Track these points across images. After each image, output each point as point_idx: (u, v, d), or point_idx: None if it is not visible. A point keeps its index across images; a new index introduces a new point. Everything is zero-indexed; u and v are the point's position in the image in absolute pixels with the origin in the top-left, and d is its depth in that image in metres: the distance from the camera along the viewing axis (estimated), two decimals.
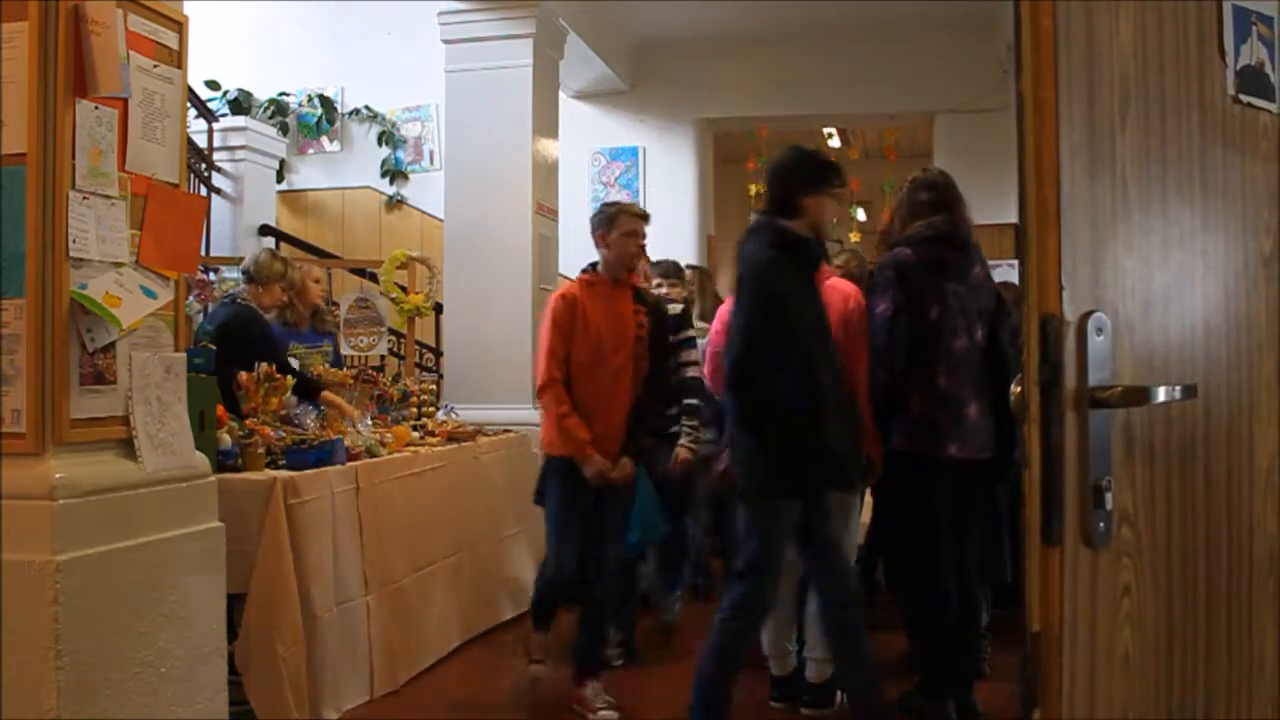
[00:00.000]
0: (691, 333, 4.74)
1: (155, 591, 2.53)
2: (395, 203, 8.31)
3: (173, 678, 2.57)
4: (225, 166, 7.53)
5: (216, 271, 5.71)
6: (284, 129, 8.21)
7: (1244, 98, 1.60)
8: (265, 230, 7.72)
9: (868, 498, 4.04)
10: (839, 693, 3.75)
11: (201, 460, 2.77)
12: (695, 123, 8.27)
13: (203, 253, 5.72)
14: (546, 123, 6.24)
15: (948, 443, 3.35)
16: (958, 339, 3.38)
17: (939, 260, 3.41)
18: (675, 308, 4.59)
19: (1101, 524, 1.34)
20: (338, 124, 8.36)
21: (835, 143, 10.02)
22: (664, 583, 4.84)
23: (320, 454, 3.79)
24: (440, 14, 6.07)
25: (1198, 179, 1.53)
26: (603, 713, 3.70)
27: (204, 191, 7.16)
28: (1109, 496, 1.34)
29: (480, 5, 5.99)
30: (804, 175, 3.28)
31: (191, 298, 4.83)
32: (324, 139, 8.39)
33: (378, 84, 8.22)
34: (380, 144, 8.26)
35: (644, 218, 3.89)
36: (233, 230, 7.46)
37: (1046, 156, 1.34)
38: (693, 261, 6.70)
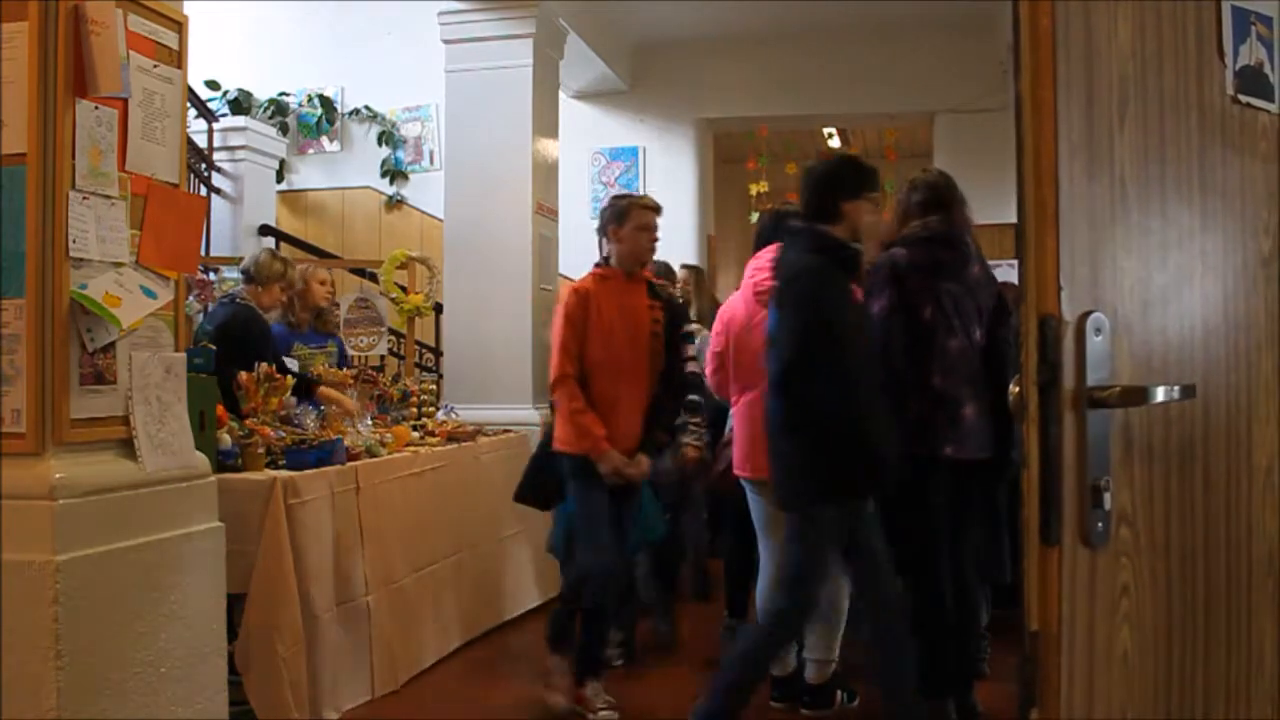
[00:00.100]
0: (692, 327, 4.74)
1: (155, 591, 2.53)
2: (395, 203, 8.31)
3: (173, 678, 2.57)
4: (225, 166, 7.53)
5: (216, 271, 5.71)
6: (284, 129, 8.21)
7: (1243, 98, 1.60)
8: (265, 230, 7.72)
9: None
10: (839, 693, 3.76)
11: (201, 460, 2.77)
12: (695, 123, 8.27)
13: (203, 253, 5.72)
14: (546, 123, 6.24)
15: (944, 443, 3.35)
16: (953, 339, 3.38)
17: (934, 260, 3.41)
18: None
19: (1100, 524, 1.34)
20: (338, 124, 8.36)
21: (835, 143, 10.02)
22: (658, 589, 4.74)
23: (320, 454, 3.79)
24: (440, 14, 6.07)
25: (1196, 179, 1.53)
26: (603, 713, 3.70)
27: (204, 191, 7.16)
28: (1107, 496, 1.34)
29: (480, 5, 5.99)
30: (843, 181, 3.29)
31: (191, 298, 4.83)
32: (324, 139, 8.39)
33: (378, 84, 8.22)
34: (380, 144, 8.26)
35: (657, 210, 3.82)
36: (233, 230, 7.46)
37: (1045, 156, 1.34)
38: (692, 261, 6.70)
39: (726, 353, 3.80)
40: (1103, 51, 1.40)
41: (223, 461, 3.44)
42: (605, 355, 3.67)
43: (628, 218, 3.75)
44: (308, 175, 8.48)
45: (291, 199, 8.44)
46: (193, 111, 6.98)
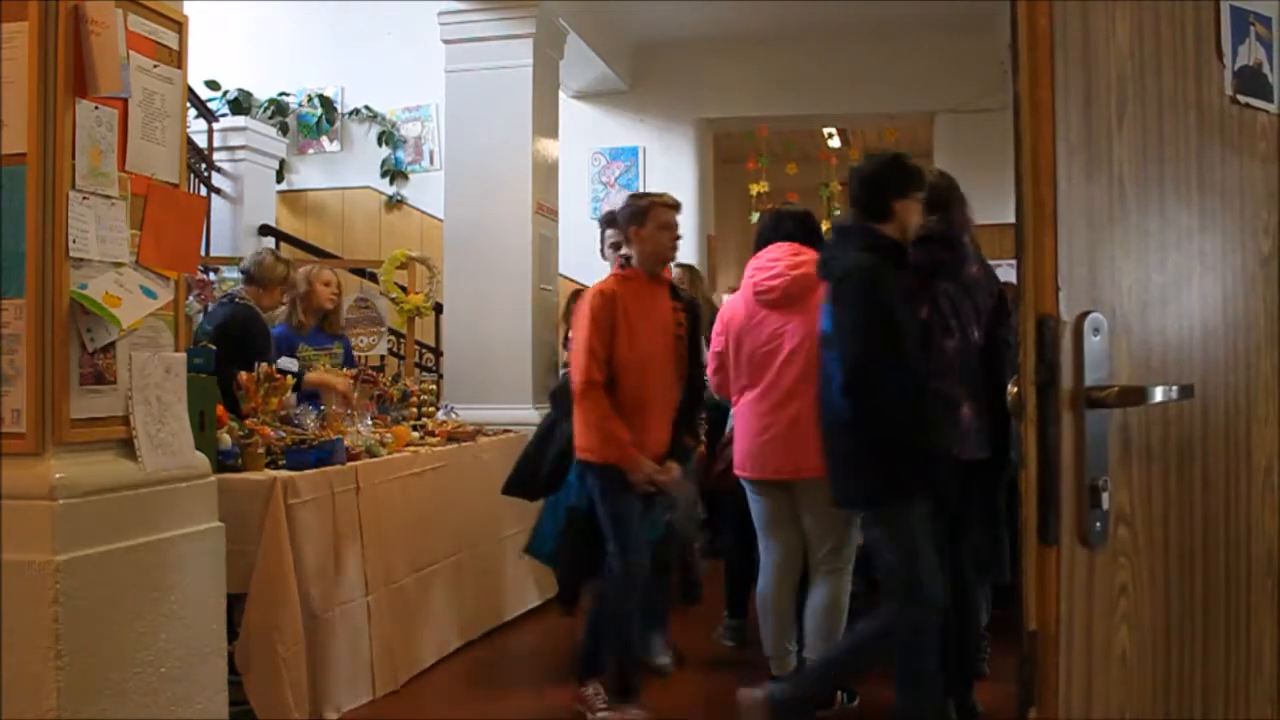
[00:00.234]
0: None
1: (155, 591, 2.53)
2: (395, 203, 8.31)
3: (173, 678, 2.57)
4: (225, 166, 7.53)
5: (216, 271, 5.71)
6: (284, 129, 8.21)
7: (1242, 98, 1.60)
8: (265, 230, 7.72)
9: None
10: (839, 693, 3.75)
11: (201, 460, 2.77)
12: (695, 123, 8.27)
13: (203, 253, 5.72)
14: (546, 123, 6.24)
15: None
16: (950, 339, 3.38)
17: (932, 260, 3.41)
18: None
19: (1098, 524, 1.34)
20: (338, 124, 8.36)
21: (835, 143, 10.01)
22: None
23: (320, 454, 3.79)
24: (440, 14, 6.07)
25: (1195, 179, 1.53)
26: (602, 713, 3.70)
27: (204, 191, 7.16)
28: (1106, 496, 1.34)
29: (480, 5, 5.99)
30: (894, 180, 3.29)
31: (191, 298, 4.83)
32: (324, 139, 8.39)
33: (378, 84, 8.22)
34: (380, 144, 8.26)
35: (677, 207, 3.73)
36: (233, 230, 7.46)
37: (1043, 157, 1.34)
38: (692, 261, 6.69)
39: (726, 352, 3.80)
40: (1101, 51, 1.40)
41: (223, 461, 3.44)
42: (632, 360, 3.56)
43: (648, 217, 3.64)
44: (308, 175, 8.48)
45: (291, 199, 8.45)
46: (193, 111, 6.98)
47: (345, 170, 8.39)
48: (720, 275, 9.31)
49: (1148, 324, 1.45)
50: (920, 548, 3.16)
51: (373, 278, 6.81)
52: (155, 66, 2.62)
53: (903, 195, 3.26)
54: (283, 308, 5.07)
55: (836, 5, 7.07)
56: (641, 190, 7.94)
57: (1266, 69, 1.65)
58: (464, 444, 4.85)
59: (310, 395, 4.52)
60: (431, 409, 5.19)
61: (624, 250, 3.92)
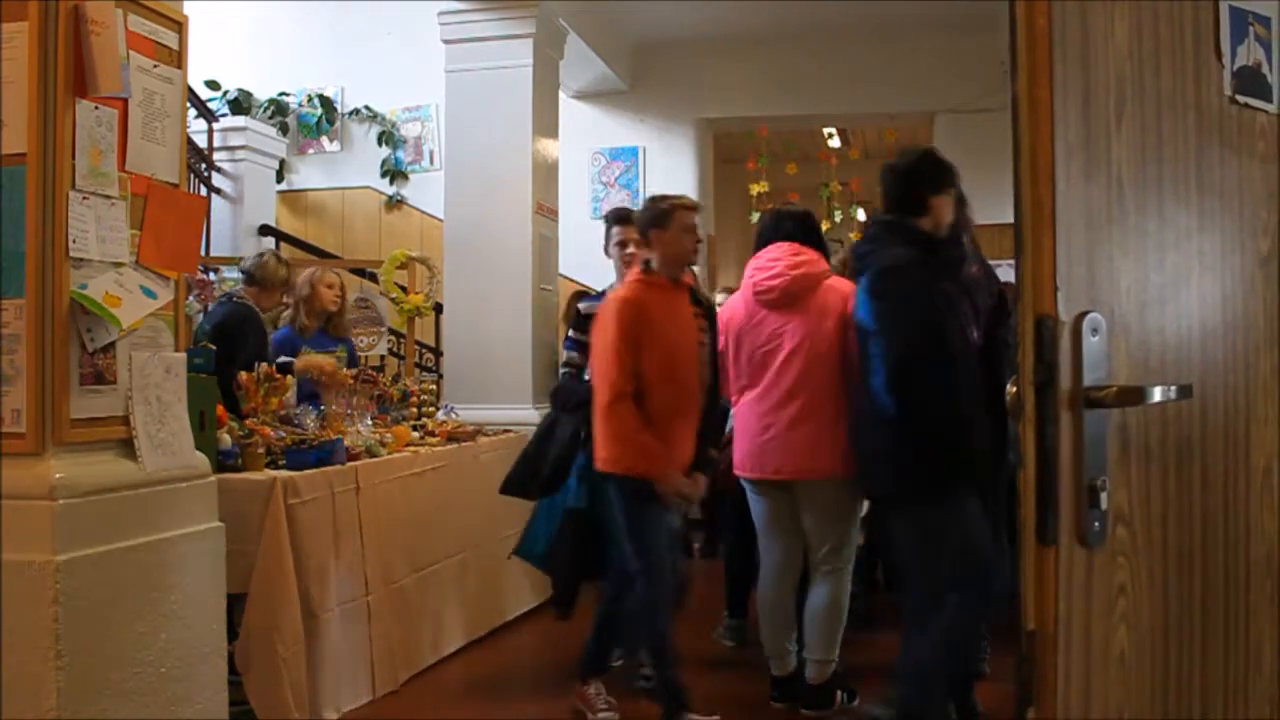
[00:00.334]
0: None
1: (155, 591, 2.53)
2: (395, 203, 8.31)
3: (173, 678, 2.57)
4: (225, 166, 7.53)
5: (216, 271, 5.71)
6: (284, 129, 8.21)
7: (1241, 98, 1.60)
8: (265, 230, 7.72)
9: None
10: (839, 693, 3.76)
11: (201, 460, 2.78)
12: (695, 123, 8.27)
13: (203, 253, 5.72)
14: (546, 123, 6.24)
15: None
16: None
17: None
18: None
19: (1096, 524, 1.35)
20: (338, 124, 8.36)
21: (835, 143, 10.01)
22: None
23: (320, 454, 3.79)
24: (440, 14, 6.06)
25: (1194, 179, 1.53)
26: (603, 713, 3.70)
27: (204, 191, 7.16)
28: (1104, 496, 1.34)
29: (480, 5, 5.99)
30: (929, 175, 3.28)
31: (191, 298, 4.84)
32: (324, 139, 8.39)
33: (378, 84, 8.22)
34: (380, 144, 8.26)
35: (697, 209, 3.65)
36: (233, 230, 7.46)
37: (1041, 157, 1.34)
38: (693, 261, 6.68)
39: (726, 352, 3.80)
40: (1099, 52, 1.40)
41: (223, 461, 3.44)
42: (661, 369, 3.44)
43: (671, 220, 3.53)
44: (308, 175, 8.48)
45: (291, 199, 8.45)
46: (193, 111, 6.98)
47: (345, 170, 8.39)
48: (720, 275, 9.31)
49: (1146, 324, 1.45)
50: (972, 540, 3.14)
51: (373, 278, 6.81)
52: (155, 66, 2.62)
53: (937, 191, 3.25)
54: (284, 310, 5.08)
55: (836, 5, 7.07)
56: (642, 190, 7.96)
57: (1265, 69, 1.65)
58: (464, 444, 4.86)
59: (310, 395, 4.52)
60: (431, 409, 5.19)
61: (629, 251, 3.89)
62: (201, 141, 7.24)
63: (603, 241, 4.13)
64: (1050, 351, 1.33)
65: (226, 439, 3.56)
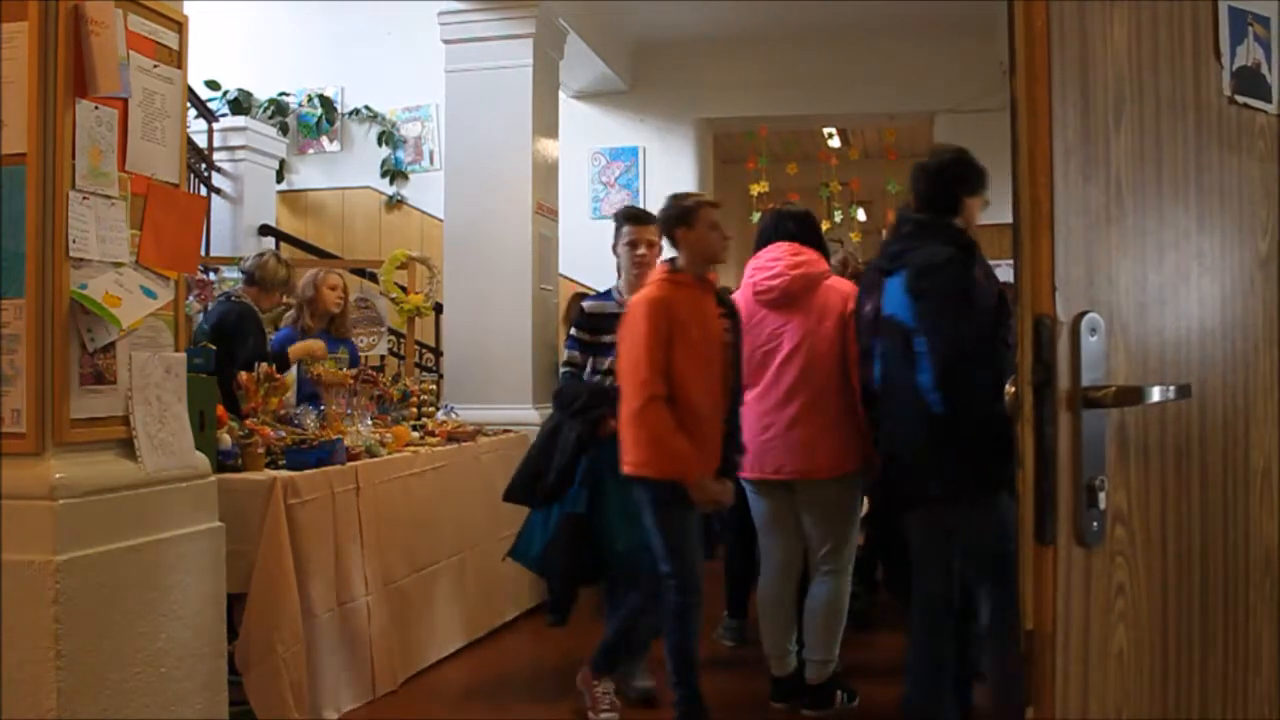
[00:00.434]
0: None
1: (155, 591, 2.54)
2: (395, 203, 8.31)
3: (173, 678, 2.57)
4: (225, 166, 7.53)
5: (216, 271, 5.72)
6: (284, 129, 8.22)
7: (1240, 98, 1.60)
8: (265, 230, 7.72)
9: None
10: (839, 693, 3.76)
11: (201, 460, 2.78)
12: (695, 123, 8.27)
13: (203, 253, 5.73)
14: (546, 123, 6.24)
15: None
16: None
17: None
18: None
19: (1095, 523, 1.35)
20: (338, 124, 8.36)
21: (835, 143, 10.00)
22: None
23: (320, 454, 3.79)
24: (440, 14, 6.06)
25: (1193, 180, 1.53)
26: (605, 714, 3.68)
27: (204, 191, 7.17)
28: (1102, 496, 1.34)
29: (480, 5, 5.99)
30: (963, 176, 3.26)
31: (191, 298, 4.84)
32: (324, 139, 8.39)
33: (378, 84, 8.22)
34: (380, 144, 8.26)
35: (719, 206, 3.60)
36: (233, 230, 7.46)
37: (1040, 157, 1.34)
38: None
39: None
40: (1098, 52, 1.40)
41: (223, 461, 3.44)
42: (689, 370, 3.38)
43: (697, 217, 3.49)
44: (308, 175, 8.48)
45: (291, 199, 8.45)
46: (193, 111, 6.98)
47: (345, 170, 8.39)
48: (720, 275, 9.31)
49: (1145, 324, 1.45)
50: (1012, 537, 3.14)
51: (373, 278, 6.82)
52: (155, 66, 2.63)
53: (971, 191, 3.23)
54: (284, 311, 5.08)
55: (836, 5, 7.07)
56: (642, 190, 7.96)
57: (1265, 69, 1.65)
58: (464, 444, 4.86)
59: (310, 395, 4.53)
60: (431, 409, 5.20)
61: (639, 252, 3.87)
62: (201, 141, 7.24)
63: (611, 240, 4.10)
64: (1048, 351, 1.33)
65: (226, 439, 3.56)
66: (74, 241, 2.39)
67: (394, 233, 8.15)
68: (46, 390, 2.35)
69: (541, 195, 6.09)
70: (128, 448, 2.54)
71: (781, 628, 3.80)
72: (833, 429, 3.62)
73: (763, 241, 3.86)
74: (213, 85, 7.92)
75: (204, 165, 7.27)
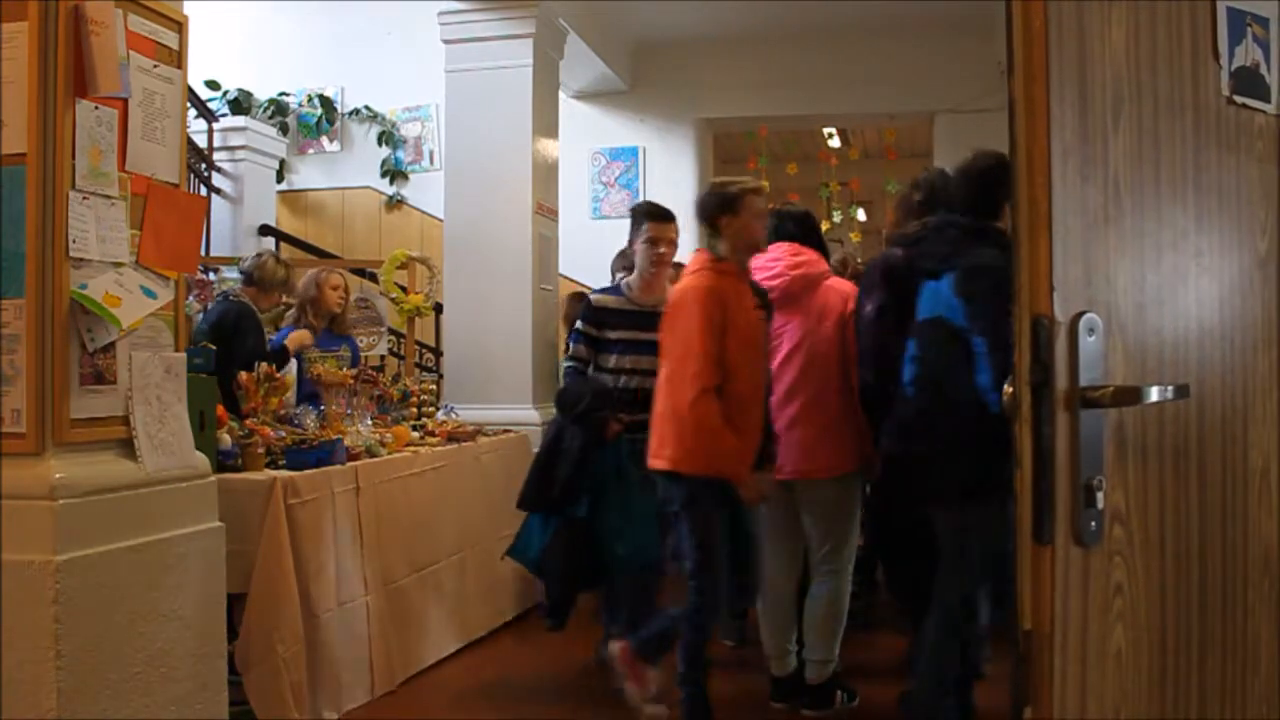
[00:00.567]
0: None
1: (155, 591, 2.54)
2: (395, 203, 8.31)
3: (173, 678, 2.57)
4: (225, 166, 7.54)
5: (216, 271, 5.72)
6: (284, 129, 8.22)
7: (1239, 99, 1.60)
8: (265, 230, 7.73)
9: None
10: (839, 693, 3.76)
11: (201, 460, 2.78)
12: (695, 123, 8.27)
13: (203, 253, 5.73)
14: (546, 123, 6.24)
15: (909, 442, 3.34)
16: None
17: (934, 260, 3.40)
18: None
19: (1093, 523, 1.35)
20: (338, 124, 8.36)
21: (835, 143, 10.01)
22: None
23: (320, 454, 3.80)
24: (440, 14, 6.07)
25: (1191, 180, 1.53)
26: (652, 709, 3.54)
27: (204, 191, 7.17)
28: (1100, 496, 1.35)
29: (480, 5, 5.99)
30: (1004, 180, 3.25)
31: (191, 298, 4.84)
32: (324, 139, 8.39)
33: (378, 84, 8.22)
34: (380, 144, 8.26)
35: (764, 193, 3.51)
36: (233, 230, 7.47)
37: (1037, 157, 1.34)
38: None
39: None
40: (1096, 52, 1.41)
41: (223, 461, 3.45)
42: (739, 361, 3.31)
43: (742, 204, 3.40)
44: (308, 175, 8.48)
45: (291, 199, 8.45)
46: (193, 111, 6.99)
47: (345, 170, 8.40)
48: None
49: (1143, 324, 1.45)
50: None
51: (373, 278, 6.82)
52: (155, 66, 2.63)
53: (1008, 197, 3.22)
54: (284, 310, 5.09)
55: (836, 5, 7.07)
56: (642, 190, 7.96)
57: (1264, 69, 1.65)
58: (464, 444, 4.86)
59: (310, 395, 4.54)
60: (431, 409, 5.20)
61: (660, 250, 3.85)
62: (201, 141, 7.24)
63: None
64: (1046, 351, 1.33)
65: (226, 439, 3.56)
66: (74, 241, 2.39)
67: (394, 233, 8.15)
68: (46, 390, 2.35)
69: (541, 195, 6.09)
70: (128, 448, 2.54)
71: (781, 628, 3.80)
72: (833, 429, 3.62)
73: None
74: (213, 85, 7.92)
75: (204, 165, 7.27)
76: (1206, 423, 1.53)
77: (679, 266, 5.23)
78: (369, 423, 4.40)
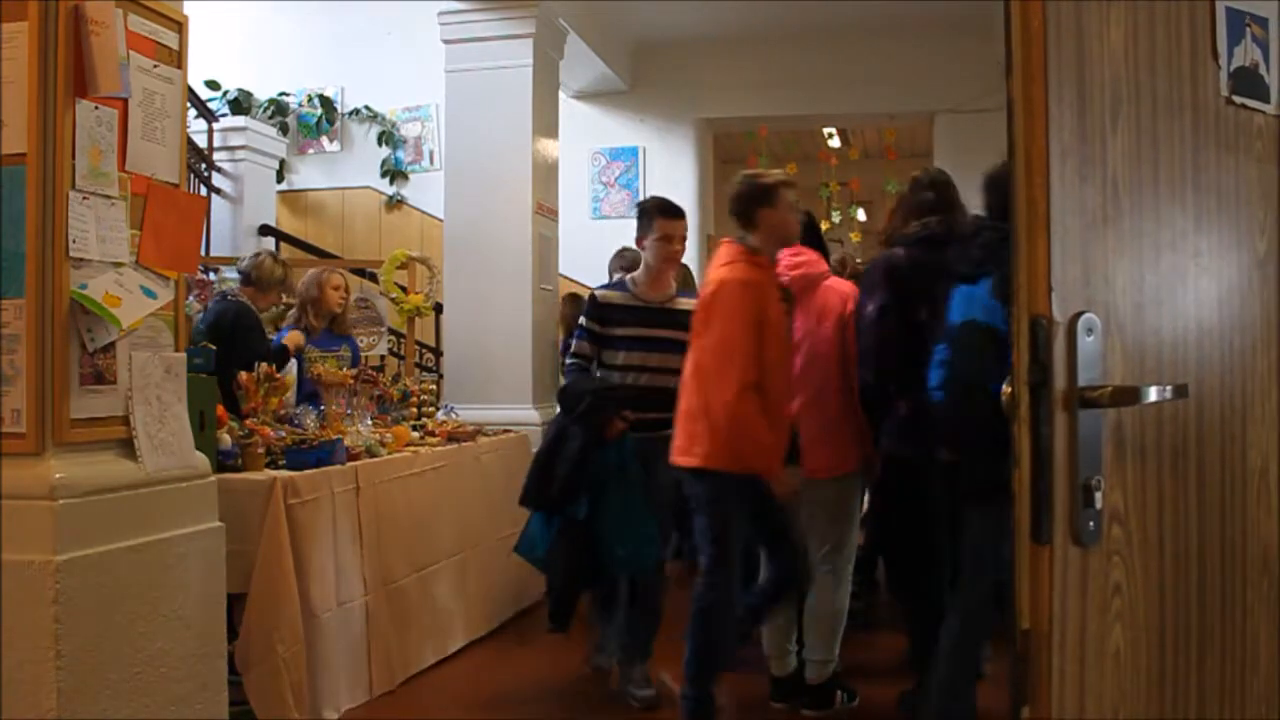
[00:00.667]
0: None
1: (155, 591, 2.54)
2: (395, 203, 8.32)
3: (173, 678, 2.57)
4: (225, 166, 7.54)
5: (216, 271, 5.72)
6: (284, 129, 8.22)
7: (1238, 99, 1.60)
8: (265, 230, 7.73)
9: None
10: (839, 693, 3.76)
11: (201, 460, 2.78)
12: (695, 123, 8.28)
13: (203, 253, 5.73)
14: (546, 123, 6.24)
15: (936, 444, 3.34)
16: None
17: (932, 261, 3.40)
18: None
19: (1091, 523, 1.35)
20: (338, 124, 8.37)
21: (835, 143, 10.01)
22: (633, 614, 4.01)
23: (320, 454, 3.80)
24: (440, 14, 6.07)
25: (1190, 180, 1.53)
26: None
27: (204, 191, 7.17)
28: (1099, 496, 1.35)
29: (480, 5, 5.99)
30: None
31: (191, 298, 4.85)
32: (324, 139, 8.40)
33: (378, 84, 8.23)
34: (380, 144, 8.27)
35: (795, 186, 3.48)
36: (233, 230, 7.47)
37: (1036, 158, 1.34)
38: (693, 261, 6.69)
39: None
40: (1094, 52, 1.41)
41: (223, 461, 3.44)
42: (773, 356, 3.28)
43: (778, 197, 3.36)
44: (308, 175, 8.49)
45: (291, 199, 8.46)
46: (193, 111, 6.99)
47: (345, 170, 8.40)
48: None
49: (1142, 324, 1.46)
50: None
51: (373, 278, 6.82)
52: (155, 66, 2.63)
53: None
54: (283, 310, 5.09)
55: (836, 5, 7.08)
56: (642, 190, 7.97)
57: (1263, 69, 1.65)
58: (464, 444, 4.86)
59: (310, 395, 4.54)
60: (431, 409, 5.20)
61: (674, 248, 3.82)
62: (201, 141, 7.25)
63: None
64: (1045, 352, 1.33)
65: (226, 439, 3.56)
66: (74, 241, 2.39)
67: (394, 233, 8.16)
68: (46, 390, 2.35)
69: (541, 195, 6.09)
70: (128, 448, 2.54)
71: (781, 628, 3.80)
72: (833, 429, 3.62)
73: None
74: (213, 85, 7.92)
75: (204, 165, 7.28)
76: (1205, 423, 1.53)
77: (686, 269, 5.24)
78: (369, 423, 4.40)
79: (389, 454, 4.26)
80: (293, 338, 4.81)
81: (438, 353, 7.26)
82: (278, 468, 3.67)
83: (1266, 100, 1.65)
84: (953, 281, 3.34)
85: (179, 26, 2.72)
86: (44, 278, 2.34)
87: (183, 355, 2.73)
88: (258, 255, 4.77)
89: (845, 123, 9.46)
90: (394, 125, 8.26)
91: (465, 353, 5.98)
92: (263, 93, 8.25)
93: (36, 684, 2.27)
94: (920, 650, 3.65)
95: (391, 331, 6.16)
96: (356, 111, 8.34)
